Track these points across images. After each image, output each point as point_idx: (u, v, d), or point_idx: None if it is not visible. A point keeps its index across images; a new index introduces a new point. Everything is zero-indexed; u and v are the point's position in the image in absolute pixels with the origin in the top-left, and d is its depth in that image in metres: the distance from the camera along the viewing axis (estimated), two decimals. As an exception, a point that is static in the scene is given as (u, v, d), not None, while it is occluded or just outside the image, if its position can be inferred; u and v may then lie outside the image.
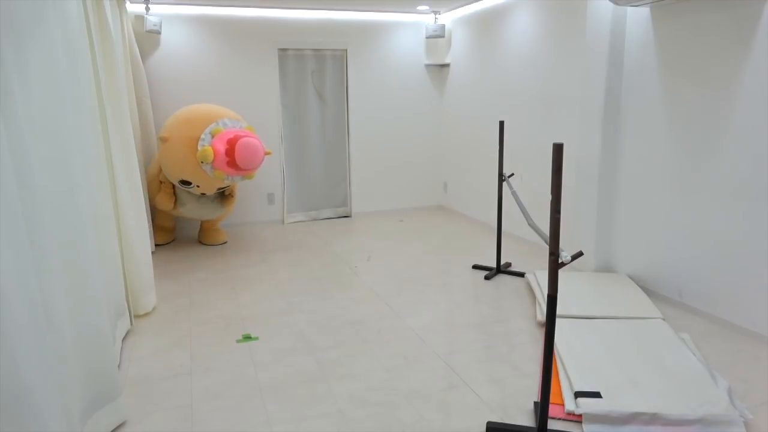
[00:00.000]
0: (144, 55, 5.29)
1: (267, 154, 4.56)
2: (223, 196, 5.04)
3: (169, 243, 5.33)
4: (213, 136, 4.33)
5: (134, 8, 5.15)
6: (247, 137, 4.33)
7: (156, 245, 5.17)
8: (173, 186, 4.81)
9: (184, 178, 4.50)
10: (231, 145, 4.27)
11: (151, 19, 5.06)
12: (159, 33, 5.21)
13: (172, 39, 5.38)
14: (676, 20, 3.41)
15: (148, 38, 5.29)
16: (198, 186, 4.56)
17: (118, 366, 2.84)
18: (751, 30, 2.96)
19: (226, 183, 4.57)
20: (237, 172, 4.38)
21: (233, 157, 4.26)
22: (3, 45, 1.64)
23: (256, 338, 3.16)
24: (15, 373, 1.51)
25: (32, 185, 1.73)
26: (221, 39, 5.55)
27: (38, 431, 1.58)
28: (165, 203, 4.77)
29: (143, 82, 4.97)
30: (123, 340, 3.14)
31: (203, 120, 4.43)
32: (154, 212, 5.14)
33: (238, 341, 3.13)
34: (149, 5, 5.14)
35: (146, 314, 3.51)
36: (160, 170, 4.82)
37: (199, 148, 4.30)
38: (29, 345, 1.58)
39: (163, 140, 4.47)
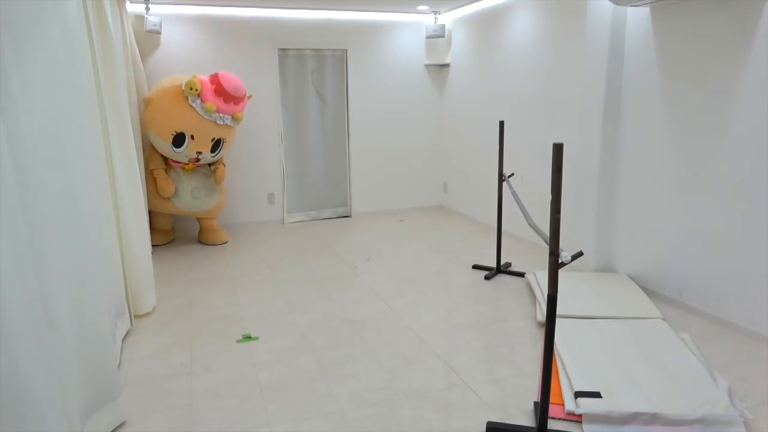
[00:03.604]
0: (144, 55, 5.29)
1: (249, 97, 4.91)
2: (212, 174, 5.07)
3: (169, 243, 5.33)
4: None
5: (134, 8, 5.15)
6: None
7: (153, 246, 5.16)
8: (165, 171, 4.86)
9: (177, 129, 4.58)
10: (213, 77, 4.66)
11: (151, 19, 5.06)
12: (159, 33, 5.21)
13: (172, 39, 5.38)
14: (676, 20, 3.41)
15: (148, 38, 5.29)
16: (192, 137, 4.63)
17: (118, 366, 2.83)
18: (751, 30, 2.96)
19: (218, 126, 4.69)
20: (226, 106, 4.63)
21: (219, 84, 4.56)
22: (3, 45, 1.64)
23: (256, 338, 3.16)
24: (15, 373, 1.51)
25: (32, 185, 1.73)
26: (221, 39, 5.55)
27: (38, 431, 1.58)
28: (166, 189, 4.78)
29: (143, 82, 4.98)
30: (123, 340, 3.14)
31: (181, 77, 4.72)
32: (151, 214, 5.14)
33: (238, 341, 3.13)
34: (149, 5, 5.14)
35: (146, 314, 3.51)
36: (149, 158, 4.86)
37: (183, 85, 4.53)
38: (29, 345, 1.58)
39: (147, 102, 4.63)
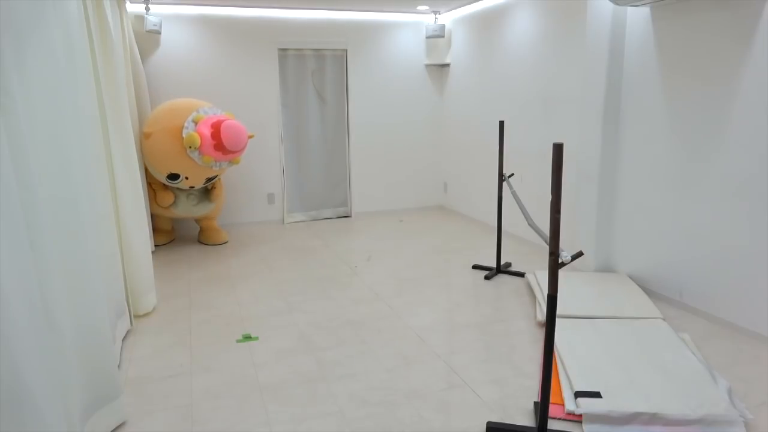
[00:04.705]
0: (144, 55, 5.29)
1: (250, 137, 4.70)
2: (208, 191, 5.07)
3: (169, 243, 5.33)
4: (196, 123, 4.46)
5: (134, 8, 5.15)
6: (229, 120, 4.49)
7: (156, 245, 5.17)
8: (163, 183, 4.86)
9: (172, 171, 4.54)
10: (216, 128, 4.40)
11: (151, 19, 5.06)
12: (159, 33, 5.21)
13: (172, 39, 5.38)
14: (676, 20, 3.41)
15: (148, 38, 5.29)
16: (186, 178, 4.61)
17: (118, 366, 2.83)
18: (751, 29, 2.96)
19: (214, 170, 4.64)
20: (224, 156, 4.50)
21: (219, 140, 4.39)
22: (3, 45, 1.64)
23: (256, 338, 3.16)
24: (15, 373, 1.51)
25: (32, 186, 1.73)
26: (221, 39, 5.55)
27: (38, 431, 1.58)
28: (165, 199, 4.78)
29: (143, 82, 4.98)
30: (123, 340, 3.14)
31: (184, 110, 4.56)
32: (151, 215, 5.14)
33: (238, 341, 3.13)
34: (149, 5, 5.14)
35: (146, 314, 3.51)
36: (146, 173, 4.85)
37: (184, 135, 4.41)
38: (29, 345, 1.58)
39: (146, 136, 4.54)
